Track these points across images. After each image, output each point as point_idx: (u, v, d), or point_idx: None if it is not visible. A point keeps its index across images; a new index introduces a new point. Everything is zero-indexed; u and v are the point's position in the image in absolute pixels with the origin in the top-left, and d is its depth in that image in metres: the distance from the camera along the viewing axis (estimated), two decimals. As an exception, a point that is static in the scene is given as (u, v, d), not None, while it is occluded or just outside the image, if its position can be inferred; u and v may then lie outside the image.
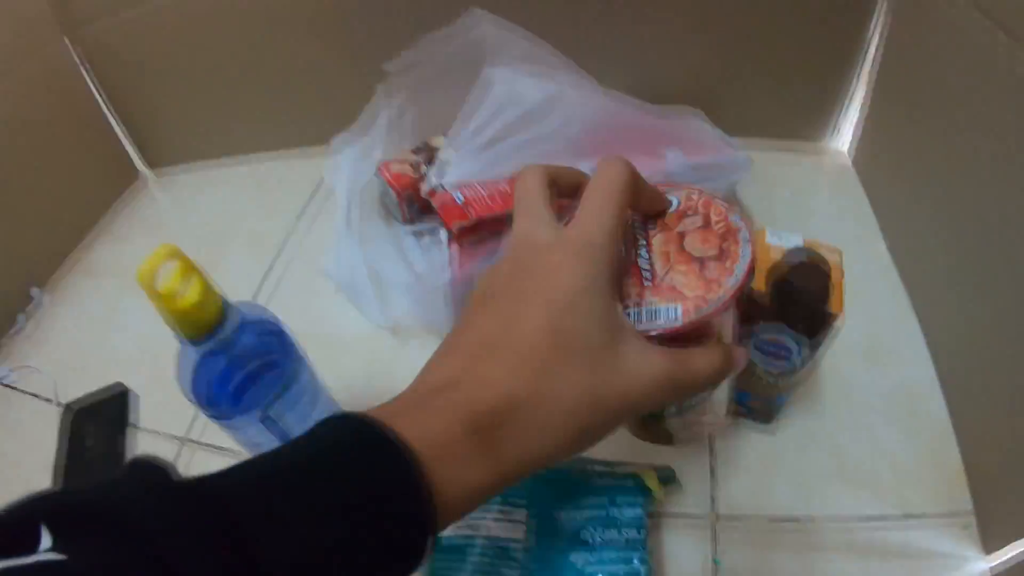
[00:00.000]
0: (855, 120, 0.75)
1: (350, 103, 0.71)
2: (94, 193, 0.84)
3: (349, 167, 0.69)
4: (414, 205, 0.65)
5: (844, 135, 0.77)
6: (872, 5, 0.65)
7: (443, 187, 0.58)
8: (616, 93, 0.60)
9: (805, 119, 0.77)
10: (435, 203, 0.58)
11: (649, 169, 0.39)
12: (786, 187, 0.74)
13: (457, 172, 0.58)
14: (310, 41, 0.76)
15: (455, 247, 0.57)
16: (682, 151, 0.59)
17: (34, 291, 0.72)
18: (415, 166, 0.65)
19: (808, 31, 0.68)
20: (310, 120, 0.82)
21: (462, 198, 0.57)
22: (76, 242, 0.80)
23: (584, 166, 0.29)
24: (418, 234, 0.65)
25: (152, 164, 0.90)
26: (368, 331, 0.63)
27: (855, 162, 0.76)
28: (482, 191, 0.57)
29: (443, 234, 0.59)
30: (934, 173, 0.57)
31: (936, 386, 0.55)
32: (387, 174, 0.65)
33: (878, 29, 0.67)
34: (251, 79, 0.80)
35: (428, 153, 0.66)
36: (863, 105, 0.73)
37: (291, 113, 0.83)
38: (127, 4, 0.73)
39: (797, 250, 0.40)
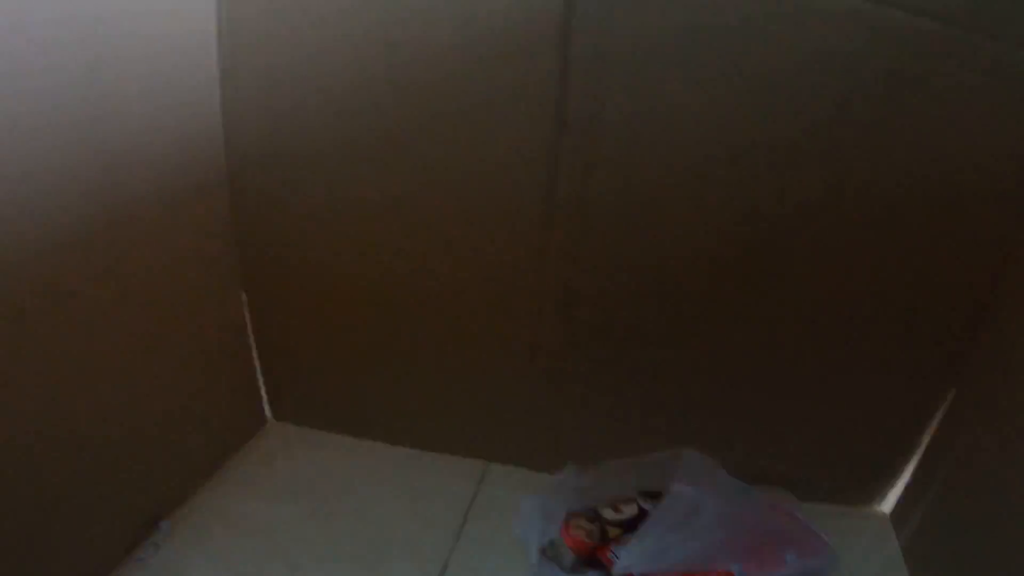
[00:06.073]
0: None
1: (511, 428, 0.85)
2: (223, 431, 0.90)
3: (536, 525, 0.81)
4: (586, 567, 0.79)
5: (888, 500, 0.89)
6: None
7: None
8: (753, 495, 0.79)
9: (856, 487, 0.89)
10: None
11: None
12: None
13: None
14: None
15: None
16: (796, 553, 0.78)
17: (163, 524, 0.73)
18: (589, 533, 0.79)
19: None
20: (463, 431, 0.92)
21: None
22: (204, 481, 0.84)
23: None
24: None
25: (279, 417, 0.98)
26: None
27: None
28: None
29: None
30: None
31: None
32: (568, 536, 0.79)
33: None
34: (419, 370, 0.89)
35: (600, 524, 0.81)
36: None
37: (445, 418, 0.92)
38: (310, 263, 0.85)
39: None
